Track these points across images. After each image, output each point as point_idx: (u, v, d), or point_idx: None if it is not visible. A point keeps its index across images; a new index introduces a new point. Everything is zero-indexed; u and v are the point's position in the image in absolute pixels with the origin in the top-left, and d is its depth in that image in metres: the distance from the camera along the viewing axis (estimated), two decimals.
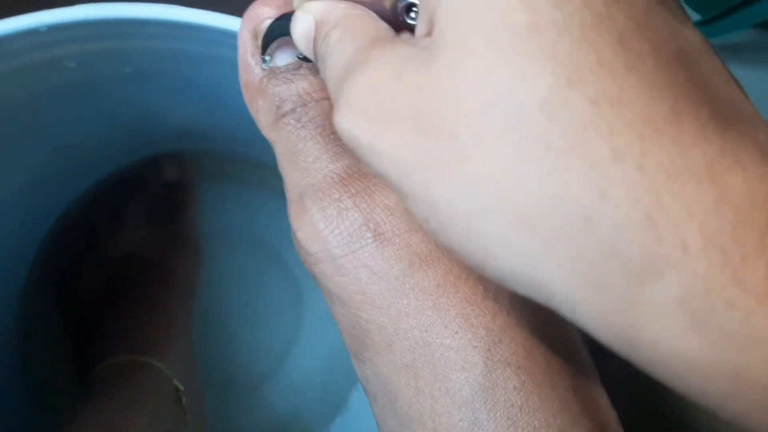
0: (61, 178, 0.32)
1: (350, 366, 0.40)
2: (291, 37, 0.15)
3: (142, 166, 0.36)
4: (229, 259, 0.40)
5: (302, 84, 0.16)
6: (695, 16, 0.44)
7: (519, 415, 0.14)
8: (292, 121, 0.16)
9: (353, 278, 0.15)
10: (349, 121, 0.12)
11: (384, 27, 0.14)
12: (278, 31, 0.16)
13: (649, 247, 0.09)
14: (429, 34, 0.12)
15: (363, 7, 0.14)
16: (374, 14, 0.14)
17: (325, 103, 0.16)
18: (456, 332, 0.15)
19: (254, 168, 0.39)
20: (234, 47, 0.18)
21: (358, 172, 0.16)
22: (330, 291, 0.16)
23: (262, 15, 0.16)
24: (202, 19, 0.18)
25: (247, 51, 0.16)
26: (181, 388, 0.32)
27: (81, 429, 0.28)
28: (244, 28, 0.17)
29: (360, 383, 0.38)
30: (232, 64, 0.18)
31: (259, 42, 0.16)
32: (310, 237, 0.16)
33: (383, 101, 0.12)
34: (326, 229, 0.16)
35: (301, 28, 0.15)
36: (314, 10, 0.14)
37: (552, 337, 0.15)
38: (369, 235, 0.15)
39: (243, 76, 0.17)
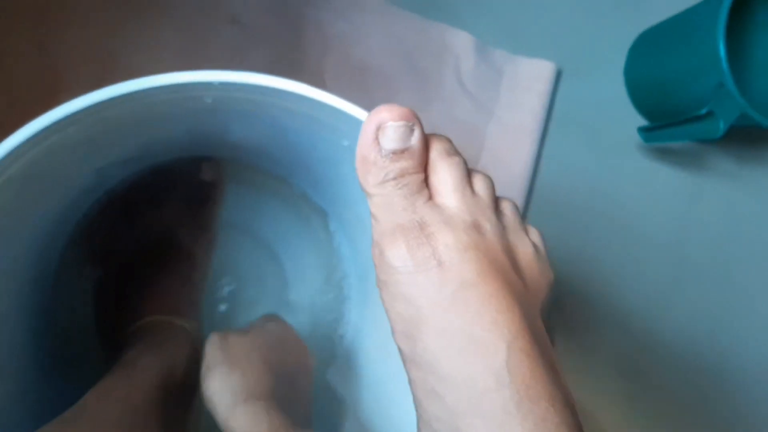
0: (124, 162, 0.39)
1: (320, 357, 0.47)
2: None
3: (184, 163, 0.43)
4: (234, 248, 0.47)
5: (404, 163, 0.24)
6: (642, 121, 0.55)
7: (530, 382, 0.22)
8: (393, 184, 0.24)
9: (422, 288, 0.23)
10: None
11: None
12: None
13: None
14: None
15: None
16: None
17: (415, 176, 0.25)
18: (490, 330, 0.23)
19: (271, 180, 0.46)
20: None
21: (428, 221, 0.24)
22: (401, 293, 0.24)
23: (385, 118, 0.24)
24: (328, 99, 0.26)
25: (370, 137, 0.24)
26: (198, 347, 0.39)
27: (125, 369, 0.34)
28: (371, 122, 0.25)
29: (329, 371, 0.44)
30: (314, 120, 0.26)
31: (386, 135, 0.24)
32: (396, 257, 0.24)
33: None
34: (408, 254, 0.24)
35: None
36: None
37: (539, 340, 0.24)
38: (434, 262, 0.23)
39: (362, 151, 0.25)
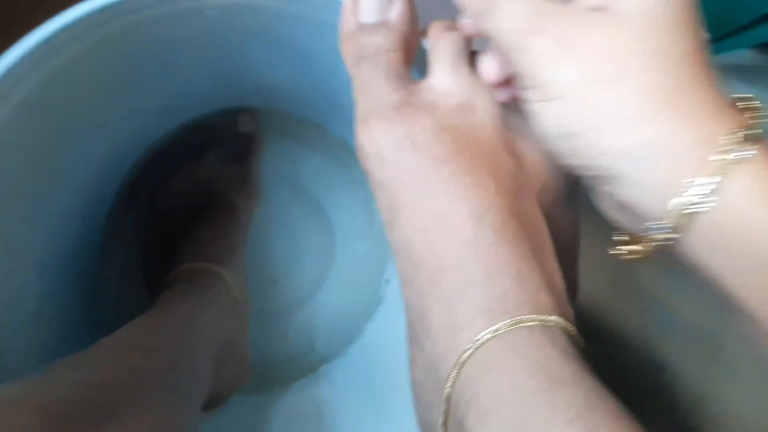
0: (162, 112, 0.40)
1: (368, 302, 0.46)
2: None
3: (223, 116, 0.43)
4: (279, 203, 0.47)
5: (379, 39, 0.23)
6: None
7: (491, 258, 0.21)
8: (368, 63, 0.23)
9: (393, 170, 0.22)
10: (542, 42, 0.20)
11: None
12: None
13: None
14: (602, 8, 0.19)
15: None
16: None
17: (392, 54, 0.23)
18: (458, 206, 0.21)
19: (309, 128, 0.46)
20: (331, 12, 0.25)
21: (407, 102, 0.23)
22: (376, 180, 0.23)
23: None
24: None
25: (349, 10, 0.24)
26: (239, 296, 0.39)
27: (155, 314, 0.34)
28: None
29: (375, 315, 0.43)
30: (330, 29, 0.25)
31: (361, 6, 0.23)
32: (368, 142, 0.23)
33: (572, 37, 0.20)
34: (380, 137, 0.22)
35: None
36: None
37: (522, 220, 0.22)
38: (408, 143, 0.22)
39: (342, 28, 0.24)
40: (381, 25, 0.23)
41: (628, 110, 0.19)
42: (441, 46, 0.24)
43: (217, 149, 0.44)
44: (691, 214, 0.18)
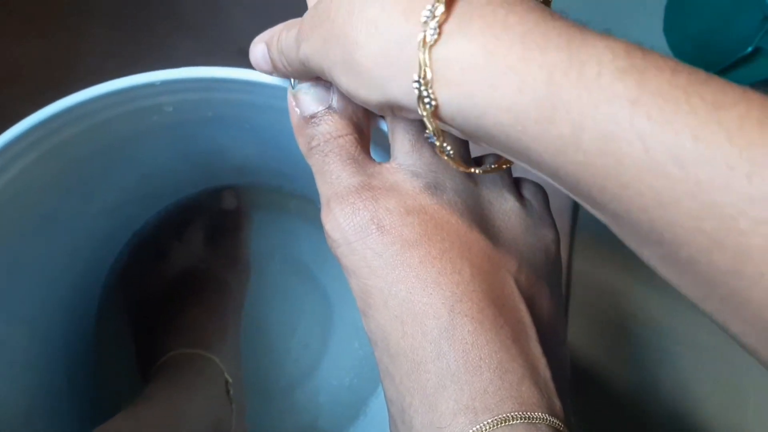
0: (140, 201, 0.39)
1: (371, 375, 0.45)
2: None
3: (206, 196, 0.43)
4: (272, 276, 0.47)
5: (326, 127, 0.23)
6: None
7: (470, 348, 0.20)
8: (319, 152, 0.23)
9: (362, 256, 0.21)
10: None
11: None
12: None
13: None
14: None
15: None
16: None
17: (341, 140, 0.23)
18: (431, 293, 0.20)
19: (296, 201, 0.46)
20: (282, 99, 0.24)
21: (368, 185, 0.22)
22: (347, 267, 0.22)
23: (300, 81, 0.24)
24: (268, 79, 0.25)
25: (291, 104, 0.23)
26: (230, 380, 0.38)
27: (143, 404, 0.33)
28: (289, 92, 0.23)
29: (379, 389, 0.42)
30: (284, 113, 0.25)
31: (299, 101, 0.23)
32: (333, 228, 0.22)
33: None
34: (344, 222, 0.22)
35: None
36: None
37: (501, 304, 0.21)
38: (374, 227, 0.21)
39: (292, 120, 0.24)
40: (325, 114, 0.23)
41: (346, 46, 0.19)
42: (400, 127, 0.23)
43: (202, 229, 0.44)
44: (434, 108, 0.18)
